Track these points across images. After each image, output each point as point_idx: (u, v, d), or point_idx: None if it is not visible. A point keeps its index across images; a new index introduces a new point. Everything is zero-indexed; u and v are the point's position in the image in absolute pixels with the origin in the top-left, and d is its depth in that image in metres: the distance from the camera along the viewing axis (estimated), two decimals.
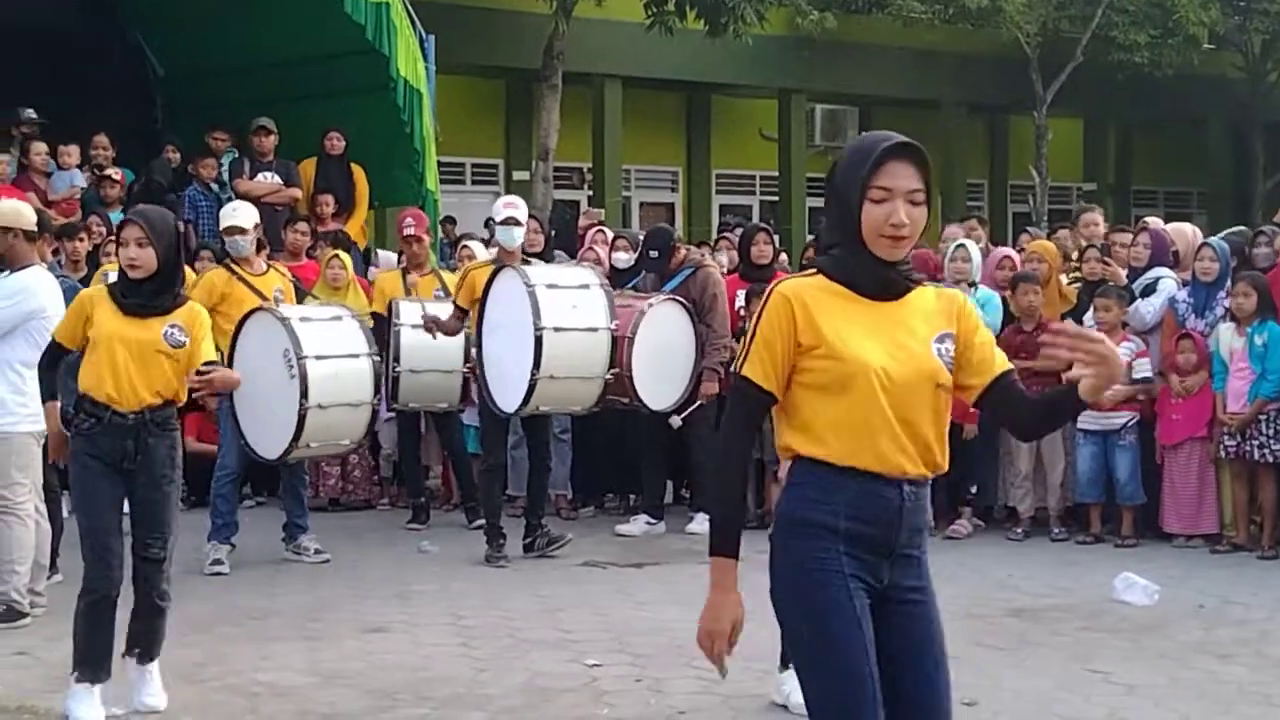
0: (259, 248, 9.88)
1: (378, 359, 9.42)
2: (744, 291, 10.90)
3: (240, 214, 9.66)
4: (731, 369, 3.82)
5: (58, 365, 6.45)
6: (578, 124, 20.85)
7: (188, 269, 7.26)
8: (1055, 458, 10.41)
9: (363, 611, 8.16)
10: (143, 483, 6.18)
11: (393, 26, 13.58)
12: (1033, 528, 10.45)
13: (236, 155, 14.42)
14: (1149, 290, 10.53)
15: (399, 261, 12.17)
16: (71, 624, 6.17)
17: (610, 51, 21.12)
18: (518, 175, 21.83)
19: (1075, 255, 11.43)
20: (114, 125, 14.43)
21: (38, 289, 7.86)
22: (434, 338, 9.67)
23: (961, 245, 10.72)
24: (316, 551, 9.65)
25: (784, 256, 13.05)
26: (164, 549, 6.22)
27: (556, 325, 9.08)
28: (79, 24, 16.03)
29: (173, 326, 6.22)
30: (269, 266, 9.94)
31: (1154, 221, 11.55)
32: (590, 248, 12.29)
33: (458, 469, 11.36)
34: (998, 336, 10.40)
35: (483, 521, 9.83)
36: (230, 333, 8.94)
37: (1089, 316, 10.37)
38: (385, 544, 10.27)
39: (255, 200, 12.20)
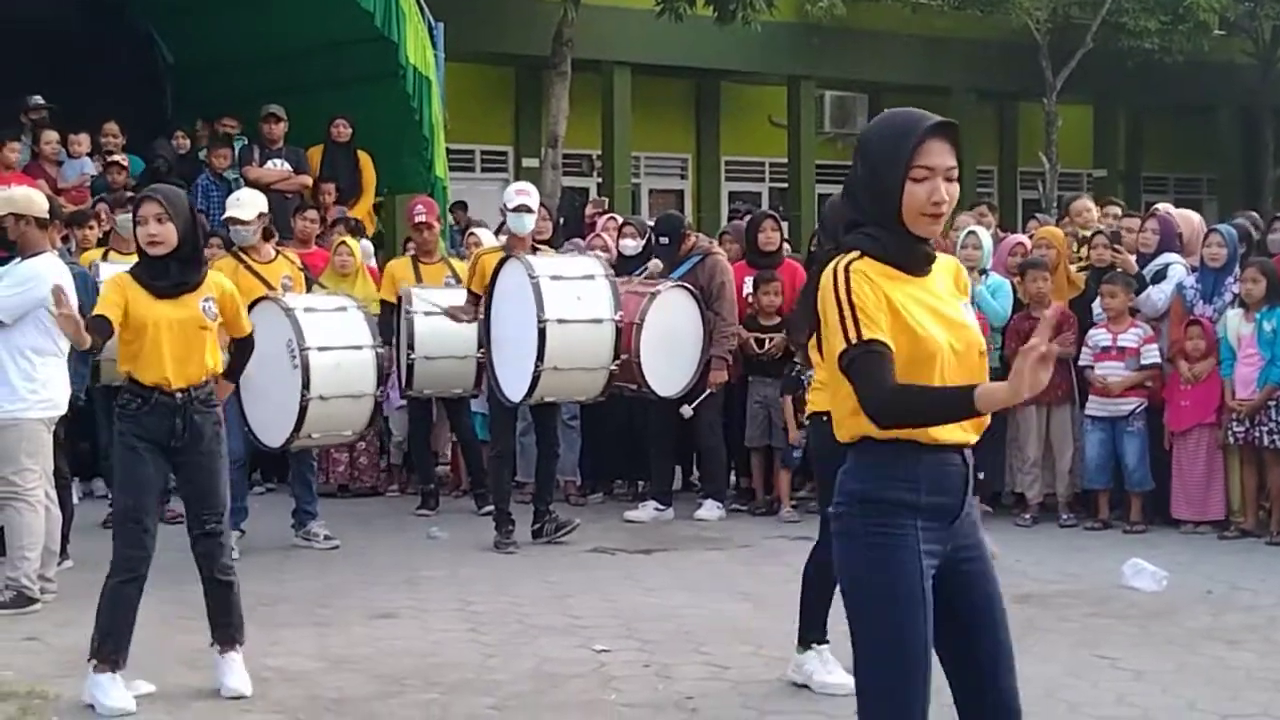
0: (267, 235, 9.89)
1: (381, 350, 9.44)
2: (751, 279, 10.92)
3: (242, 205, 9.61)
4: (841, 351, 3.68)
5: (106, 338, 6.33)
6: (587, 111, 20.83)
7: None
8: (1064, 444, 10.42)
9: (372, 597, 8.18)
10: (192, 460, 6.25)
11: (401, 14, 13.57)
12: (1041, 514, 10.46)
13: (246, 143, 14.44)
14: (1159, 276, 10.52)
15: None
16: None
17: (620, 38, 21.09)
18: (527, 162, 21.82)
19: (1075, 246, 11.40)
20: (124, 114, 14.44)
21: (49, 276, 7.86)
22: (461, 321, 9.75)
23: (972, 233, 10.71)
24: (326, 538, 9.67)
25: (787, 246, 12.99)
26: (220, 523, 6.30)
27: (560, 317, 9.10)
28: (89, 14, 16.03)
29: (206, 300, 6.33)
30: (277, 254, 9.94)
31: (1164, 207, 11.54)
32: (598, 235, 12.30)
33: (468, 455, 11.37)
34: (1007, 323, 10.42)
35: (492, 508, 9.86)
36: None
37: (1097, 303, 10.38)
38: (394, 530, 10.30)
39: (265, 187, 12.21)
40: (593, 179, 22.93)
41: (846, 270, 3.73)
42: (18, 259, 8.03)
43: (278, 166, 13.99)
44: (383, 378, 9.50)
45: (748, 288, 10.90)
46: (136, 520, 6.15)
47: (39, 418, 7.83)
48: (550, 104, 19.02)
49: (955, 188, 3.76)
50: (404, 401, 11.11)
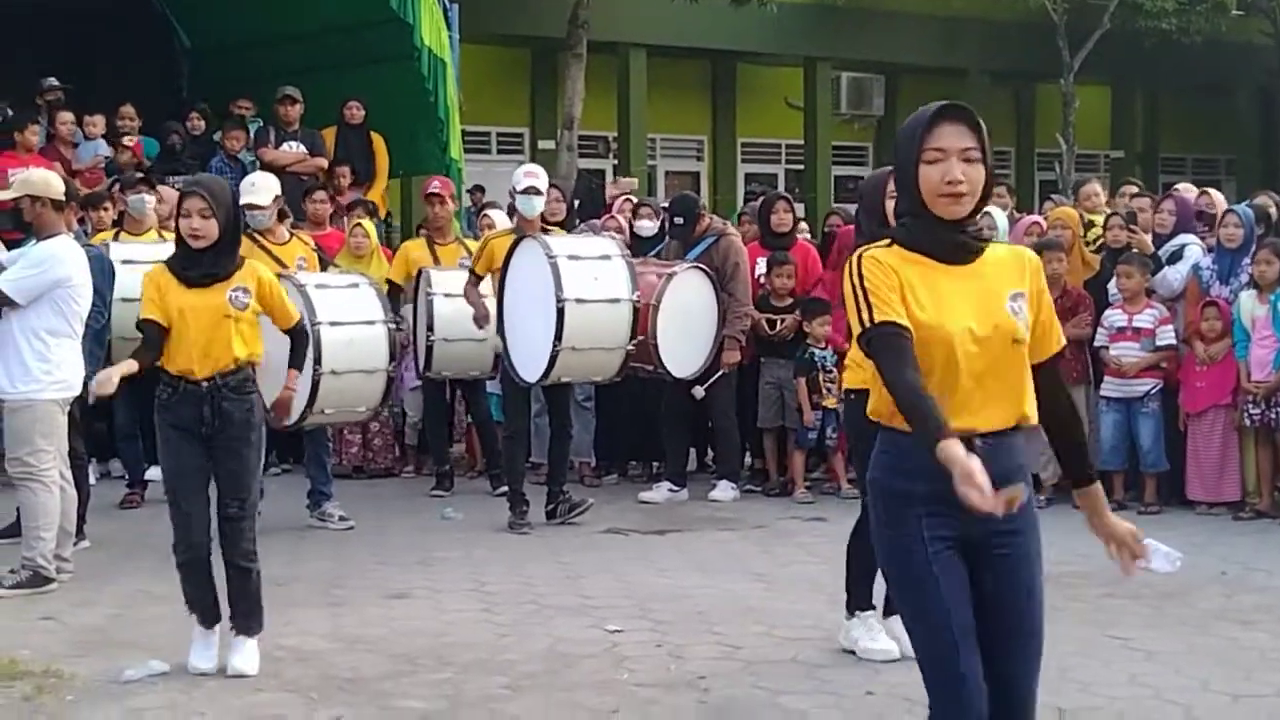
0: (282, 217, 9.90)
1: (394, 326, 9.45)
2: (764, 260, 10.92)
3: (257, 190, 9.60)
4: (859, 335, 3.79)
5: (160, 347, 6.32)
6: (603, 93, 20.82)
7: None
8: None
9: (386, 578, 8.21)
10: (220, 446, 6.32)
11: None
12: (1055, 495, 10.43)
13: (261, 125, 14.45)
14: (1175, 257, 10.49)
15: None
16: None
17: (635, 20, 21.07)
18: (543, 144, 21.81)
19: (1084, 229, 11.37)
20: (140, 96, 14.46)
21: (65, 257, 7.91)
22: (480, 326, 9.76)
23: (987, 213, 10.65)
24: (341, 519, 9.70)
25: (804, 224, 12.99)
26: (242, 509, 6.36)
27: (579, 297, 9.09)
28: None
29: (236, 290, 6.35)
30: (292, 235, 9.97)
31: (1183, 187, 11.49)
32: (613, 215, 12.30)
33: (483, 436, 11.39)
34: None
35: (506, 488, 9.88)
36: None
37: (1112, 284, 10.35)
38: (409, 511, 10.32)
39: (280, 170, 12.22)
40: (609, 161, 22.91)
41: (860, 257, 3.85)
42: (34, 240, 8.06)
43: (294, 148, 14.00)
44: (395, 353, 9.49)
45: (760, 269, 10.90)
46: (176, 505, 6.35)
47: (53, 399, 7.86)
48: (566, 86, 19.00)
49: (977, 169, 3.80)
50: (419, 382, 11.13)
